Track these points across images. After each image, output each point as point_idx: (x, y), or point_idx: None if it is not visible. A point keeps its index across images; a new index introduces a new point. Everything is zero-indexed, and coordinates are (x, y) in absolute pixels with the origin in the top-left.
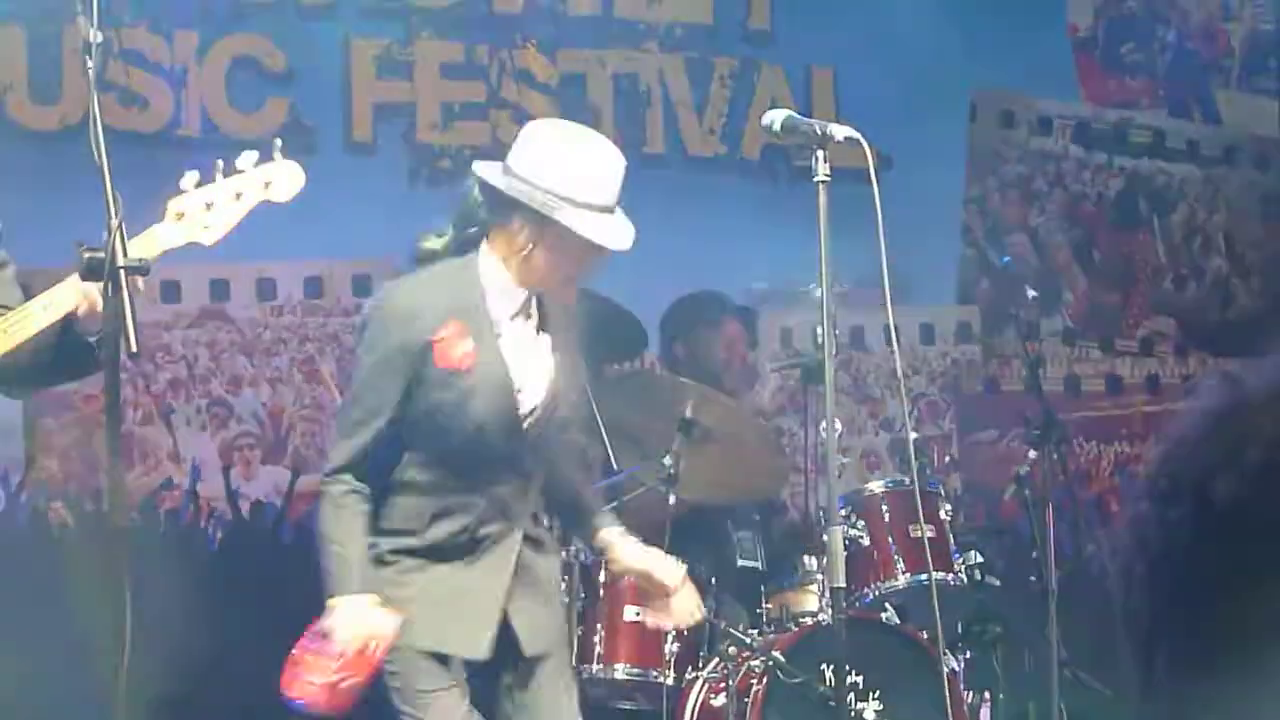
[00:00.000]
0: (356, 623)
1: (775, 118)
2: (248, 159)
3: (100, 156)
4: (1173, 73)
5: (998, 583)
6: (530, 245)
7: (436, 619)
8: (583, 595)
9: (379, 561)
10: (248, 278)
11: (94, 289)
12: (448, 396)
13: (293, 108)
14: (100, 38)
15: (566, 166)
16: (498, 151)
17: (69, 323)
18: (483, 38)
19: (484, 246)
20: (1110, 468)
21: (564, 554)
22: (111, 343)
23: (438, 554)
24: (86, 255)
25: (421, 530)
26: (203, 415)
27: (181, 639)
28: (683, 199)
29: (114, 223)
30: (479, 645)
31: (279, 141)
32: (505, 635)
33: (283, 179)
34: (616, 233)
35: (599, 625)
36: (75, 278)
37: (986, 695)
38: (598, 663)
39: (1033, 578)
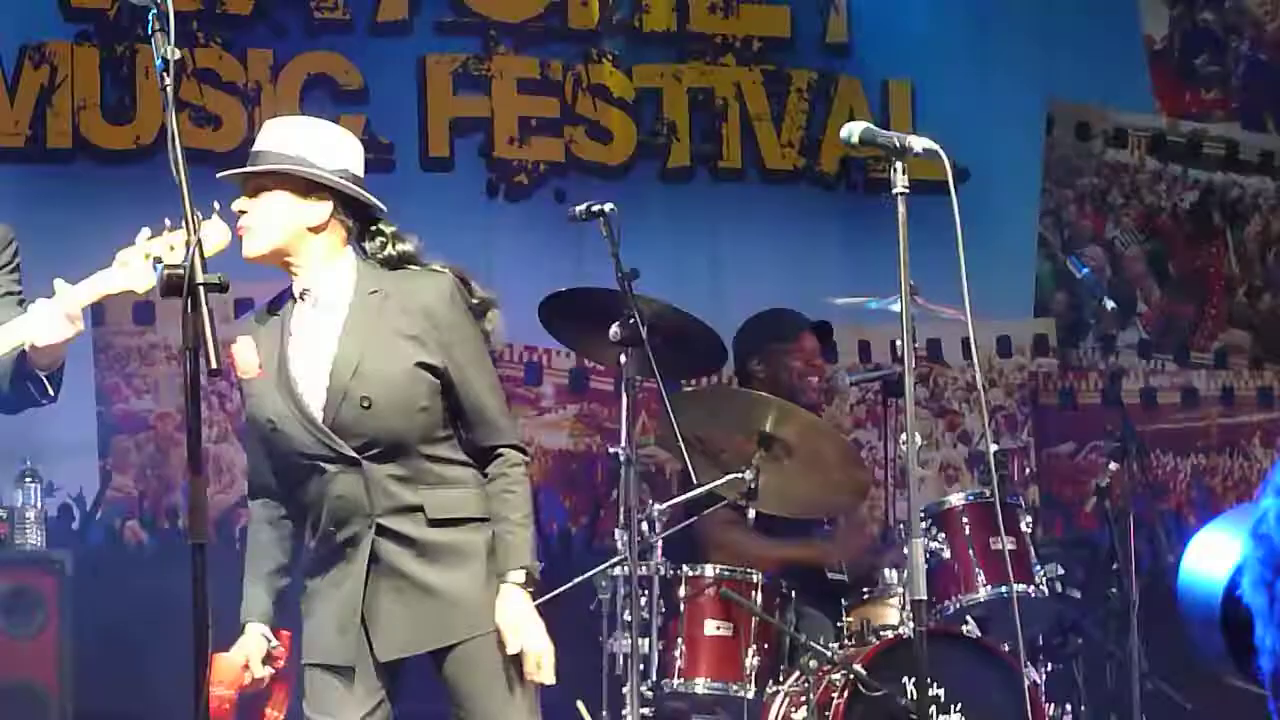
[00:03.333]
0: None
1: (853, 130)
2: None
3: (180, 174)
4: (1247, 85)
5: (1078, 595)
6: None
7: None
8: (662, 610)
9: None
10: None
11: (59, 326)
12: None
13: (368, 125)
14: (178, 54)
15: None
16: (572, 166)
17: (23, 355)
18: (558, 52)
19: None
20: (1187, 480)
21: (644, 567)
22: (192, 360)
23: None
24: (166, 272)
25: None
26: None
27: None
28: (760, 212)
29: (193, 240)
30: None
31: (217, 205)
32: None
33: (211, 236)
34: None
35: (679, 640)
36: (41, 304)
37: (1068, 708)
38: (678, 677)
39: (1113, 590)
